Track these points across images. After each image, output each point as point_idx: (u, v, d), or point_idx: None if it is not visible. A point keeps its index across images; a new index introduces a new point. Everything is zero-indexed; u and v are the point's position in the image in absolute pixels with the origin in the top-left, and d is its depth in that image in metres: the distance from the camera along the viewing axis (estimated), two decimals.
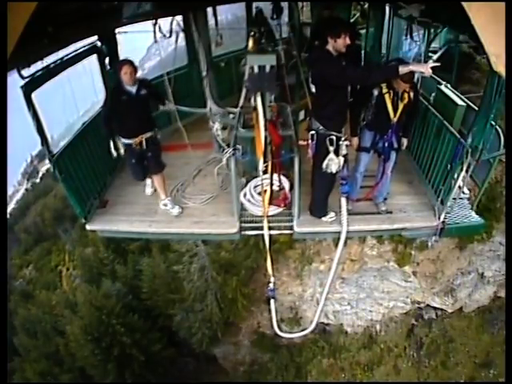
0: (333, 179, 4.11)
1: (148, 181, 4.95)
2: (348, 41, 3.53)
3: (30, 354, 17.11)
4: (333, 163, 3.83)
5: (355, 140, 4.18)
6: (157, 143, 4.59)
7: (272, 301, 4.22)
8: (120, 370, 14.61)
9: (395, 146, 4.17)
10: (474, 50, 9.95)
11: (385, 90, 3.81)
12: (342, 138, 3.88)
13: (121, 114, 4.25)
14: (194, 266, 13.36)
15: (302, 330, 4.23)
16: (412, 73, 3.70)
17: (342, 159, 3.88)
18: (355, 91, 3.89)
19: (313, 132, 3.88)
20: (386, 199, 4.54)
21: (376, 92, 3.84)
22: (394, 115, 3.90)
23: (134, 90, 4.21)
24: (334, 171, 3.88)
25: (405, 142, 4.31)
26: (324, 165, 3.87)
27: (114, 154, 4.45)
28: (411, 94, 3.88)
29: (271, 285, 4.15)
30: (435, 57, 9.63)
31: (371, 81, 3.64)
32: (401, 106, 3.87)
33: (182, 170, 5.34)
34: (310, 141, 3.93)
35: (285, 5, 6.54)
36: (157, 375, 15.17)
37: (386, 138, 4.07)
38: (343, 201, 4.08)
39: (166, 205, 4.68)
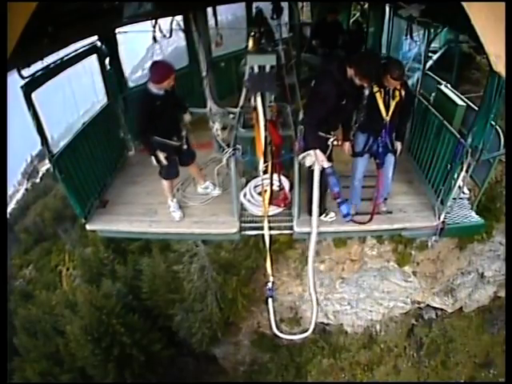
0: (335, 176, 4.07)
1: (172, 205, 4.63)
2: (365, 85, 3.58)
3: (29, 354, 17.08)
4: (308, 157, 3.74)
5: (347, 145, 4.08)
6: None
7: (270, 300, 4.17)
8: (120, 370, 14.60)
9: (390, 147, 4.08)
10: (474, 49, 9.97)
11: (375, 89, 3.76)
12: (331, 139, 3.84)
13: (159, 120, 3.99)
14: (194, 265, 13.35)
15: (303, 332, 4.15)
16: (402, 70, 3.72)
17: (319, 154, 3.74)
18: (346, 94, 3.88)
19: (301, 127, 3.85)
20: (386, 199, 4.54)
21: (367, 91, 3.79)
22: (387, 114, 3.84)
23: (161, 91, 3.98)
24: (307, 165, 3.79)
25: (398, 145, 4.16)
26: (300, 156, 3.79)
27: (155, 163, 4.25)
28: (402, 93, 3.82)
29: (270, 284, 4.12)
30: (435, 57, 9.66)
31: (306, 124, 3.77)
32: (393, 105, 3.81)
33: (181, 170, 5.32)
34: (298, 135, 3.91)
35: (285, 5, 6.55)
36: (157, 375, 15.15)
37: (380, 140, 4.00)
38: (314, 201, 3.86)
39: (207, 187, 4.87)
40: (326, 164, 3.68)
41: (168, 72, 3.91)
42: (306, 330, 4.11)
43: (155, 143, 4.14)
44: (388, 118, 3.87)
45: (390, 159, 4.18)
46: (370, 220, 4.24)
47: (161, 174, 4.47)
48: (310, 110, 3.78)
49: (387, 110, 3.83)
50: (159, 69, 3.93)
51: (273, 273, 4.11)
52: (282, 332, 4.16)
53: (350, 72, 3.50)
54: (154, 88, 3.91)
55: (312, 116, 3.71)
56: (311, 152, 3.68)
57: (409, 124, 5.17)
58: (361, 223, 4.25)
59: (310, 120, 3.73)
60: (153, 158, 4.17)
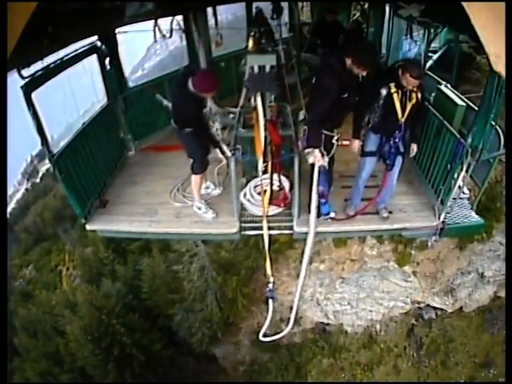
0: (329, 176, 4.07)
1: (203, 207, 4.58)
2: (364, 73, 3.58)
3: (29, 354, 17.12)
4: (312, 155, 3.75)
5: (356, 143, 4.06)
6: None
7: (270, 301, 4.15)
8: (120, 370, 14.62)
9: (401, 149, 4.07)
10: (474, 49, 9.96)
11: (393, 90, 3.73)
12: (335, 138, 3.86)
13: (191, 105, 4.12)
14: (194, 265, 13.36)
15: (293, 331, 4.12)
16: (421, 69, 3.74)
17: (318, 153, 3.78)
18: (362, 92, 3.83)
19: (304, 127, 3.88)
20: (391, 212, 4.47)
21: (384, 92, 3.75)
22: (402, 115, 3.82)
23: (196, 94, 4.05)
24: (309, 162, 3.81)
25: (414, 147, 4.19)
26: (306, 151, 3.80)
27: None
28: (419, 95, 3.80)
29: (270, 285, 4.10)
30: (435, 57, 9.66)
31: (308, 121, 3.81)
32: (409, 106, 3.79)
33: (181, 170, 5.33)
34: (302, 134, 3.92)
35: (285, 5, 6.54)
36: (157, 375, 15.17)
37: (392, 141, 3.98)
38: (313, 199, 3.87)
39: (208, 187, 4.90)
40: (321, 163, 3.69)
41: (212, 88, 3.97)
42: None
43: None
44: (403, 120, 3.85)
45: (398, 161, 4.15)
46: (354, 216, 4.31)
47: (193, 168, 4.47)
48: (313, 106, 3.77)
49: (403, 112, 3.81)
50: (206, 80, 3.94)
51: (273, 273, 4.09)
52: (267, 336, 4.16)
53: (348, 62, 3.54)
54: (192, 88, 3.93)
55: (315, 112, 3.70)
56: (311, 150, 3.70)
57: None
58: (341, 219, 4.33)
59: (313, 116, 3.72)
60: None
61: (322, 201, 4.00)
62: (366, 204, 4.32)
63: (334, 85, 3.52)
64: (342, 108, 3.72)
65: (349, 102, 3.69)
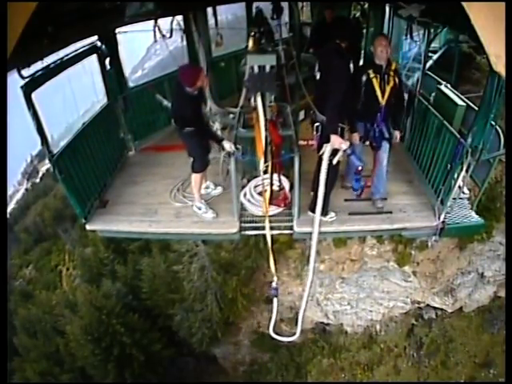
0: (334, 175, 4.07)
1: (203, 206, 4.58)
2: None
3: (29, 354, 17.13)
4: (335, 142, 3.69)
5: (356, 136, 4.27)
6: None
7: (275, 300, 4.06)
8: (120, 370, 14.63)
9: (386, 135, 4.29)
10: (474, 49, 9.97)
11: (372, 75, 4.03)
12: (346, 129, 3.97)
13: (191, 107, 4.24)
14: (194, 265, 13.37)
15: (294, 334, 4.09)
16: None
17: (338, 138, 3.77)
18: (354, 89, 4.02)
19: (317, 124, 3.91)
20: (385, 199, 4.54)
21: (364, 78, 4.05)
22: (382, 98, 4.09)
23: (195, 92, 4.18)
24: (326, 151, 3.73)
25: (397, 134, 4.43)
26: (322, 149, 3.75)
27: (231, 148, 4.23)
28: (396, 79, 4.11)
29: (274, 284, 4.02)
30: (435, 57, 9.67)
31: (330, 107, 3.76)
32: (388, 90, 4.07)
33: (181, 170, 5.33)
34: (314, 133, 3.96)
35: (285, 5, 6.53)
36: (157, 375, 15.18)
37: (376, 125, 4.22)
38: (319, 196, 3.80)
39: (208, 187, 4.95)
40: (345, 145, 3.69)
41: (196, 73, 4.13)
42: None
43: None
44: (384, 102, 4.12)
45: (385, 147, 4.32)
46: (361, 193, 4.53)
47: (193, 167, 4.49)
48: (332, 91, 3.70)
49: (383, 95, 4.09)
50: (187, 73, 4.16)
51: (276, 272, 4.06)
52: (278, 334, 4.11)
53: (345, 44, 3.84)
54: (188, 89, 4.08)
55: (336, 94, 3.68)
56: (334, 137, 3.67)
57: (409, 122, 5.20)
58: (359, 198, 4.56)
59: (335, 100, 3.68)
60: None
61: (356, 177, 4.30)
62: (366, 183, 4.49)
63: (344, 62, 3.74)
64: (348, 93, 3.80)
65: (350, 85, 3.84)
